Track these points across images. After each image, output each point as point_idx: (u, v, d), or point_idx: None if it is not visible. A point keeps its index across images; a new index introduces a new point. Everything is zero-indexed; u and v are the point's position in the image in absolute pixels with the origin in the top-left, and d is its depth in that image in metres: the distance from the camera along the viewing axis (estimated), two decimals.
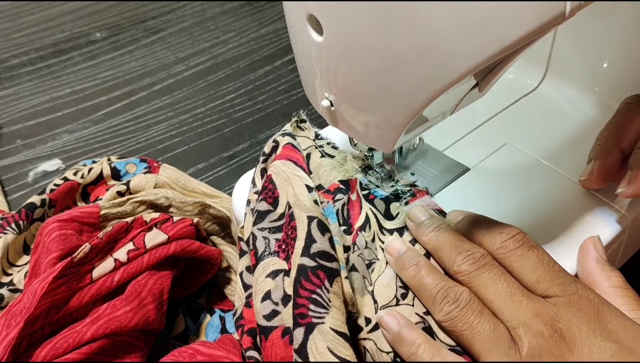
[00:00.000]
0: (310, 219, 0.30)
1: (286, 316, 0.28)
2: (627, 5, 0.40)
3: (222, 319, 0.38)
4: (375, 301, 0.30)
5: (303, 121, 0.40)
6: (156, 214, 0.39)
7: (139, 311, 0.33)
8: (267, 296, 0.29)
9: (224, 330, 0.38)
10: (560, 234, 0.35)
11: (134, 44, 0.75)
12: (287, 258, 0.30)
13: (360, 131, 0.32)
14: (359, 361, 0.27)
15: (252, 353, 0.29)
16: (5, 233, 0.40)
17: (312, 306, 0.27)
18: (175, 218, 0.38)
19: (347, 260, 0.32)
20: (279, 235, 0.32)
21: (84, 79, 0.68)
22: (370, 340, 0.29)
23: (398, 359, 0.28)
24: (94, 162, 0.46)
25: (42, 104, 0.64)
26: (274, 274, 0.30)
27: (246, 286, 0.33)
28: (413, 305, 0.30)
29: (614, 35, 0.42)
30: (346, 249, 0.33)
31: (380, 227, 0.34)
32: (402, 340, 0.27)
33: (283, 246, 0.31)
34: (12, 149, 0.57)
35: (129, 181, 0.43)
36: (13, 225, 0.40)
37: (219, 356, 0.30)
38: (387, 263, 0.32)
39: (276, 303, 0.29)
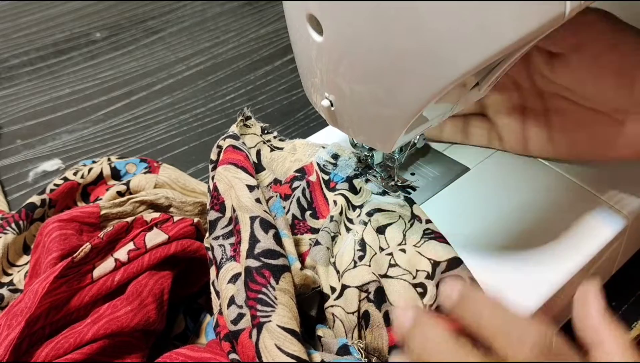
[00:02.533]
0: (253, 219, 0.31)
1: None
2: (627, 5, 0.40)
3: None
4: (337, 271, 0.32)
5: (248, 117, 0.40)
6: (156, 214, 0.39)
7: (140, 311, 0.33)
8: (231, 301, 0.30)
9: None
10: (560, 234, 0.35)
11: (134, 44, 0.74)
12: None
13: (360, 130, 0.32)
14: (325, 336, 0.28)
15: (233, 355, 0.29)
16: (5, 233, 0.40)
17: (259, 307, 0.27)
18: (176, 218, 0.38)
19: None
20: (233, 239, 0.32)
21: (84, 79, 0.68)
22: (338, 306, 0.31)
23: (363, 322, 0.30)
24: (94, 162, 0.46)
25: (42, 104, 0.64)
26: (234, 279, 0.31)
27: (219, 295, 0.33)
28: (370, 266, 0.32)
29: None
30: (316, 231, 0.34)
31: (348, 202, 0.36)
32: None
33: (238, 249, 0.31)
34: (12, 149, 0.57)
35: (129, 181, 0.43)
36: (13, 225, 0.40)
37: (208, 358, 0.30)
38: (348, 230, 0.34)
39: (240, 307, 0.29)
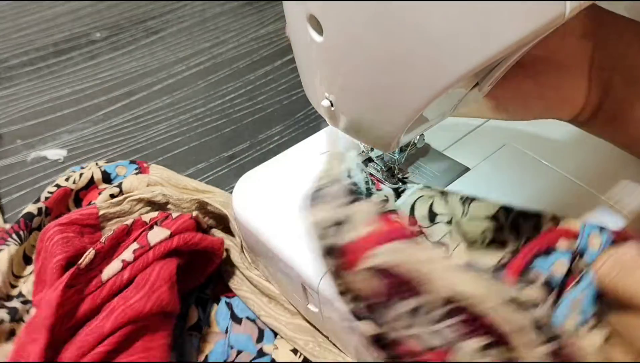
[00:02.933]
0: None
1: None
2: (627, 5, 0.40)
3: (229, 305, 0.39)
4: None
5: None
6: (155, 214, 0.39)
7: (152, 295, 0.33)
8: None
9: (233, 316, 0.38)
10: None
11: (134, 44, 0.74)
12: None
13: (360, 131, 0.32)
14: None
15: None
16: (7, 245, 0.39)
17: None
18: (174, 214, 0.38)
19: None
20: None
21: (84, 79, 0.68)
22: None
23: None
24: (82, 168, 0.46)
25: (42, 104, 0.64)
26: None
27: None
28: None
29: None
30: None
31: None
32: None
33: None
34: (12, 149, 0.57)
35: (121, 183, 0.43)
36: (14, 236, 0.40)
37: None
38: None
39: None
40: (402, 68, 0.25)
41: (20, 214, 0.41)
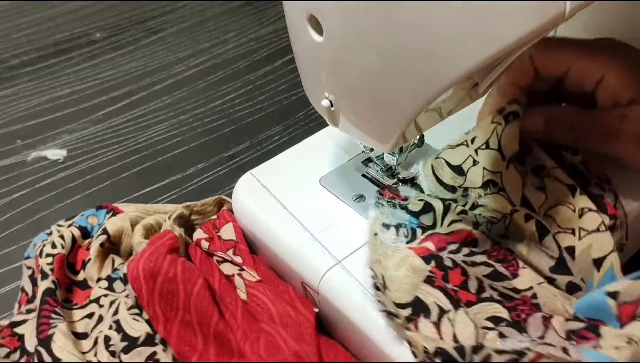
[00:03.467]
0: None
1: None
2: (627, 5, 0.40)
3: None
4: None
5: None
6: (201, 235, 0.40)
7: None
8: None
9: None
10: None
11: (134, 44, 0.75)
12: None
13: (360, 131, 0.32)
14: None
15: None
16: (55, 326, 0.36)
17: None
18: (213, 218, 0.41)
19: None
20: None
21: (84, 79, 0.68)
22: None
23: None
24: (48, 234, 0.42)
25: (42, 104, 0.64)
26: None
27: None
28: None
29: (613, 35, 0.42)
30: None
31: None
32: None
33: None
34: (12, 149, 0.57)
35: (105, 230, 0.41)
36: (54, 315, 0.37)
37: None
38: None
39: None
40: (401, 68, 0.25)
41: (41, 295, 0.38)
